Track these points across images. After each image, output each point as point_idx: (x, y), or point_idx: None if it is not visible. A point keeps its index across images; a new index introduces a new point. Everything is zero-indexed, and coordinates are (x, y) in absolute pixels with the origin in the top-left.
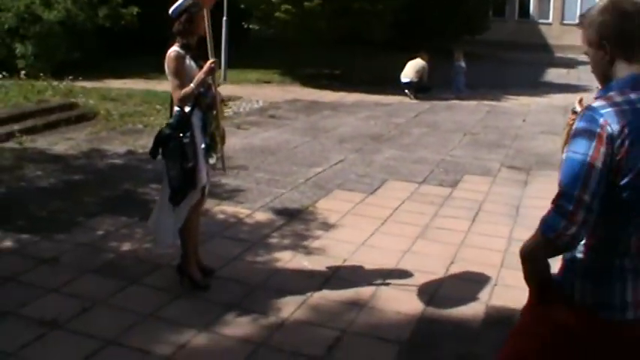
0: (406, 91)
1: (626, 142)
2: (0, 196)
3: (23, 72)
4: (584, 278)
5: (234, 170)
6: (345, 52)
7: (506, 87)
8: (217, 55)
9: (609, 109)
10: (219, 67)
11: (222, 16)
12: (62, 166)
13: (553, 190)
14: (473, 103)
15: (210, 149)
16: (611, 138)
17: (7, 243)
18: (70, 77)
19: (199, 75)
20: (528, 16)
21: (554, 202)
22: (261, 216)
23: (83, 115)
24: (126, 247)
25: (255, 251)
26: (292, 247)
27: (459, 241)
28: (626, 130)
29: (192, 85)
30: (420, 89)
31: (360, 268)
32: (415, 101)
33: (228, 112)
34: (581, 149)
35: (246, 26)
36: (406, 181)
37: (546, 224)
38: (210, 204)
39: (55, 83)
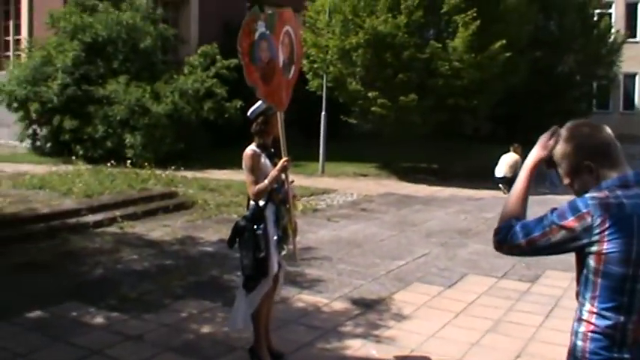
0: (500, 185)
1: (607, 233)
2: (97, 276)
3: (129, 161)
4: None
5: (318, 261)
6: (442, 145)
7: None
8: (316, 148)
9: (596, 202)
10: (291, 166)
11: (322, 111)
12: (157, 251)
13: None
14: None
15: (282, 241)
16: (586, 228)
17: (99, 319)
18: (173, 167)
19: (273, 172)
20: (633, 107)
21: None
22: (338, 305)
23: (182, 204)
24: (206, 329)
25: (327, 338)
26: (363, 336)
27: (529, 335)
28: (607, 223)
29: (266, 181)
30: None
31: (426, 358)
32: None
33: (321, 204)
34: (548, 220)
35: (344, 120)
36: (486, 276)
37: (497, 227)
38: (290, 292)
39: (158, 172)
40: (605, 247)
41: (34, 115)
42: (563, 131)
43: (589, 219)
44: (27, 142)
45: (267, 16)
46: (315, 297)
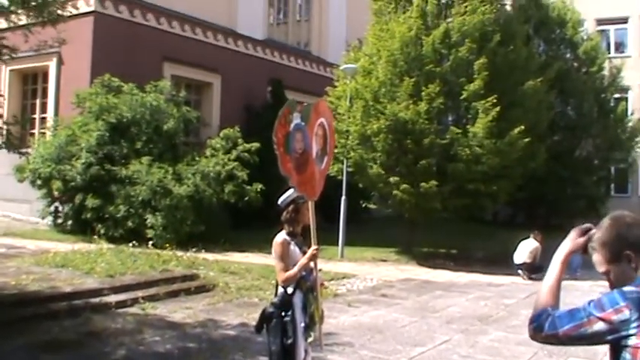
0: (519, 271)
1: None
2: (120, 357)
3: (151, 242)
4: None
5: (340, 346)
6: (461, 229)
7: None
8: (336, 232)
9: (635, 295)
10: (319, 254)
11: (341, 196)
12: (179, 333)
13: None
14: (588, 283)
15: (309, 328)
16: (624, 321)
17: None
18: (194, 249)
19: (302, 260)
20: None
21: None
22: None
23: (203, 286)
24: None
25: None
26: None
27: None
28: None
29: (295, 269)
30: (534, 270)
31: None
32: (528, 282)
33: (341, 289)
34: (585, 312)
35: (364, 205)
36: None
37: (533, 315)
38: None
39: (179, 254)
40: (638, 340)
41: (56, 193)
42: (606, 220)
43: (627, 312)
44: (48, 219)
45: (302, 108)
46: None
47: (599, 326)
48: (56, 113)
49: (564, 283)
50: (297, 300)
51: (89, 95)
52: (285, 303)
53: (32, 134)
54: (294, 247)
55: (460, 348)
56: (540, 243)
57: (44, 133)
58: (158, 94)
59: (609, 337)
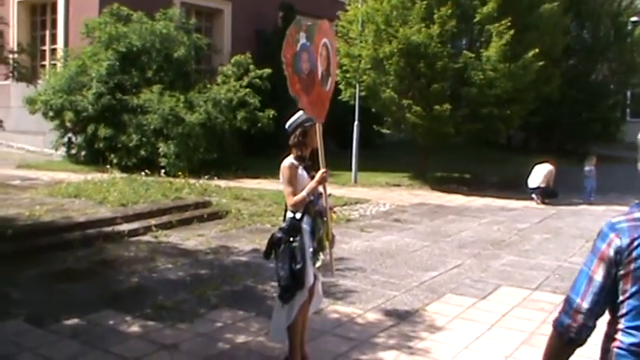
0: (533, 195)
1: (634, 254)
2: (133, 285)
3: (164, 170)
4: None
5: (351, 271)
6: (475, 155)
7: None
8: (349, 157)
9: (624, 224)
10: (330, 176)
11: (354, 121)
12: (191, 260)
13: None
14: (601, 208)
15: (317, 253)
16: (618, 251)
17: (135, 328)
18: (207, 176)
19: (311, 184)
20: None
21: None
22: (372, 316)
23: (215, 213)
24: (240, 339)
25: (361, 350)
26: (397, 348)
27: None
28: (635, 243)
29: (304, 192)
30: (547, 194)
31: None
32: (542, 206)
33: (354, 214)
34: (587, 264)
35: (377, 130)
36: (520, 287)
37: (557, 320)
38: (324, 303)
39: (192, 182)
40: (633, 267)
41: (68, 124)
42: None
43: (617, 241)
44: (62, 150)
45: (307, 27)
46: (349, 308)
47: (602, 268)
48: (66, 44)
49: (579, 207)
50: (306, 225)
51: (98, 25)
52: (293, 228)
53: (43, 66)
54: (302, 172)
55: (472, 272)
56: (555, 167)
57: (55, 65)
58: (168, 22)
59: (615, 272)
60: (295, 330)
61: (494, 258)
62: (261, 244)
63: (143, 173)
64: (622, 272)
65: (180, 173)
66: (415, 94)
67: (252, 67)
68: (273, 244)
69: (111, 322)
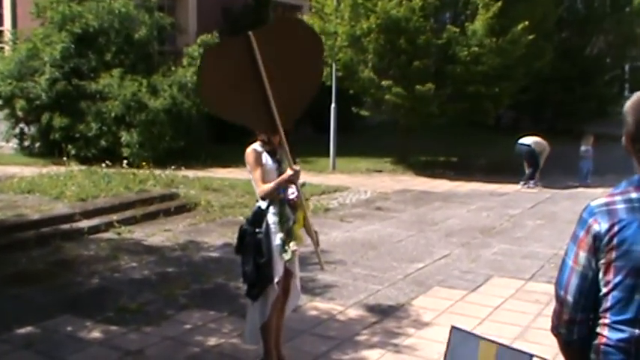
0: (524, 161)
1: (615, 241)
2: (93, 286)
3: (126, 161)
4: None
5: (331, 265)
6: (462, 137)
7: None
8: (326, 142)
9: (603, 208)
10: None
11: (331, 103)
12: (157, 257)
13: None
14: (598, 191)
15: (286, 245)
16: (597, 237)
17: (96, 334)
18: (173, 166)
19: (280, 178)
20: None
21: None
22: (354, 313)
23: (183, 206)
24: (212, 341)
25: (343, 349)
26: (381, 346)
27: None
28: (615, 228)
29: (272, 184)
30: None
31: None
32: (535, 190)
33: (333, 203)
34: (568, 254)
35: (356, 112)
36: (512, 278)
37: (551, 319)
38: (302, 300)
39: (157, 172)
40: (614, 255)
41: (20, 113)
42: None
43: (596, 226)
44: (14, 142)
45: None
46: (328, 304)
47: (583, 257)
48: (14, 25)
49: (575, 190)
50: (271, 215)
51: (50, 4)
52: (257, 218)
53: None
54: (266, 157)
55: (461, 263)
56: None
57: (2, 48)
58: (127, 0)
59: (597, 260)
60: (269, 329)
61: (484, 247)
62: (233, 237)
63: (104, 165)
64: (603, 261)
65: (144, 164)
66: (396, 72)
67: None
68: (239, 236)
69: (69, 329)
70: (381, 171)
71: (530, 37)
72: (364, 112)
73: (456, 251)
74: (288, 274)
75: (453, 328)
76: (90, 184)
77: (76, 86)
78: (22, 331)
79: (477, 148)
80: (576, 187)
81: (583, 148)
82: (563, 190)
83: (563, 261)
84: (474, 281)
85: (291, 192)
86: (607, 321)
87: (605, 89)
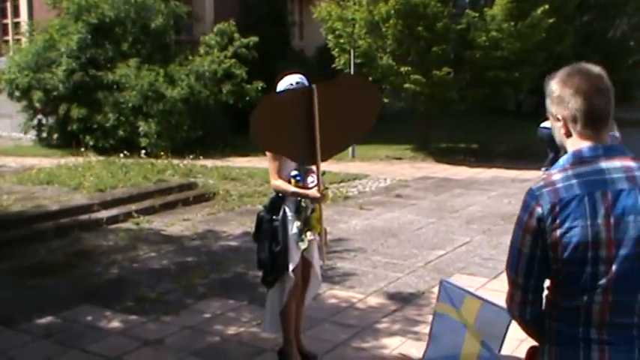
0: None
1: (558, 220)
2: (113, 276)
3: (144, 151)
4: (556, 346)
5: (350, 253)
6: (482, 123)
7: None
8: None
9: (543, 190)
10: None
11: None
12: (176, 247)
13: None
14: None
15: (303, 234)
16: (540, 219)
17: (115, 323)
18: (191, 156)
19: (302, 192)
20: None
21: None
22: (374, 301)
23: (202, 196)
24: (231, 330)
25: (363, 337)
26: (402, 334)
27: None
28: (557, 208)
29: (290, 188)
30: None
31: None
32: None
33: (352, 191)
34: (514, 237)
35: None
36: None
37: (506, 302)
38: (321, 288)
39: (175, 162)
40: (559, 233)
41: (38, 105)
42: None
43: (539, 209)
44: (32, 134)
45: None
46: (348, 292)
47: (529, 239)
48: (30, 17)
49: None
50: (289, 203)
51: None
52: (274, 206)
53: (6, 42)
54: None
55: (482, 250)
56: None
57: (19, 40)
58: None
59: (544, 243)
60: (288, 317)
61: (505, 234)
62: (252, 226)
63: (122, 155)
64: (549, 241)
65: (162, 154)
66: (415, 59)
67: (236, 35)
68: (257, 224)
69: (88, 319)
70: (400, 158)
71: (550, 20)
72: (384, 100)
73: (477, 238)
74: (306, 262)
75: (442, 281)
76: (108, 174)
77: (93, 77)
78: (42, 321)
79: (498, 134)
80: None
81: (610, 133)
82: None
83: (512, 245)
84: (494, 268)
85: (311, 180)
86: (559, 291)
87: (629, 74)
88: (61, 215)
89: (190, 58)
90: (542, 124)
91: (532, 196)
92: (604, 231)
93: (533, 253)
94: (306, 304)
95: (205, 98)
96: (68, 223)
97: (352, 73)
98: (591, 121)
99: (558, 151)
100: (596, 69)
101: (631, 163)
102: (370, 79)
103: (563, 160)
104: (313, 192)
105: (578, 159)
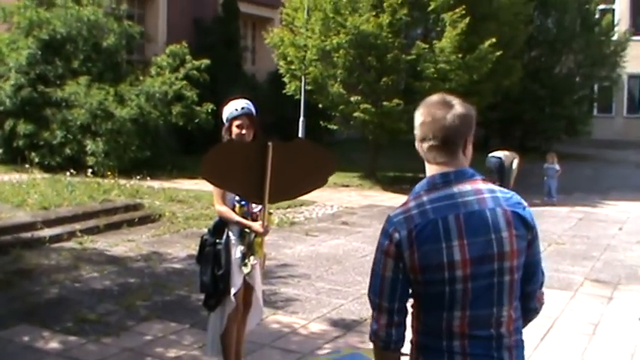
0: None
1: (414, 245)
2: (53, 296)
3: (91, 170)
4: (422, 357)
5: (294, 278)
6: None
7: (606, 191)
8: None
9: (400, 217)
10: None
11: (300, 116)
12: (119, 268)
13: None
14: (565, 209)
15: (246, 258)
16: (398, 244)
17: (54, 344)
18: (139, 176)
19: (246, 222)
20: (638, 110)
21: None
22: (316, 327)
23: (147, 217)
24: (172, 353)
25: None
26: None
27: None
28: (413, 234)
29: (234, 217)
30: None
31: None
32: None
33: (298, 217)
34: (376, 263)
35: (325, 126)
36: None
37: (370, 327)
38: (264, 312)
39: (122, 182)
40: (416, 257)
41: None
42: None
43: (397, 235)
44: None
45: None
46: (291, 318)
47: (390, 264)
48: None
49: (541, 209)
50: (233, 227)
51: (17, 9)
52: (218, 229)
53: None
54: None
55: None
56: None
57: None
58: (96, 8)
59: (403, 266)
60: (228, 341)
61: None
62: (197, 249)
63: (68, 173)
64: (409, 264)
65: (109, 173)
66: (365, 88)
67: (188, 57)
68: (200, 247)
69: (25, 339)
70: (348, 185)
71: (498, 53)
72: (333, 126)
73: None
74: (248, 287)
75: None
76: (53, 192)
77: (42, 93)
78: None
79: None
80: (542, 205)
81: (546, 165)
82: (530, 208)
83: (373, 270)
84: None
85: (255, 206)
86: (421, 312)
87: (574, 109)
88: (2, 232)
89: (141, 78)
90: (491, 154)
91: (390, 223)
92: (458, 252)
93: (396, 277)
94: (249, 329)
95: (155, 119)
96: (9, 241)
97: (305, 138)
98: (440, 147)
99: (504, 182)
100: (439, 96)
101: (480, 186)
102: (320, 105)
103: (418, 187)
104: (257, 226)
105: (432, 185)
